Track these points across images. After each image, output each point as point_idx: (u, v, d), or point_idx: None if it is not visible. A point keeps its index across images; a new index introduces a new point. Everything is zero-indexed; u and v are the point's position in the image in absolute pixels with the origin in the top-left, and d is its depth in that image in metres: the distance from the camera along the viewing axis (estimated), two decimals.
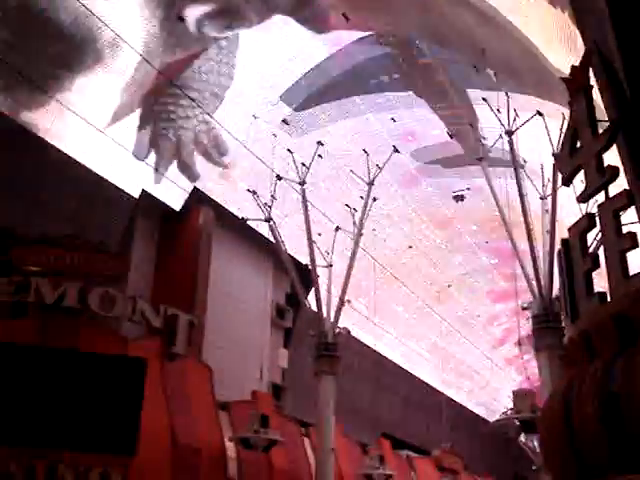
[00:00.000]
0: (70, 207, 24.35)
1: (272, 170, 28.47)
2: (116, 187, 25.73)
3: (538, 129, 25.20)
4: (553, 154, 23.11)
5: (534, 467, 26.81)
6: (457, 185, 35.04)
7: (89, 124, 24.10)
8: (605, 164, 11.23)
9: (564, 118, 22.30)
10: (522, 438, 25.12)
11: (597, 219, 10.93)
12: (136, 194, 26.47)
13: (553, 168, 23.13)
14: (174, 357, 23.09)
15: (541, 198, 25.93)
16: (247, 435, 22.83)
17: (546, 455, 10.77)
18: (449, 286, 45.65)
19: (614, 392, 8.78)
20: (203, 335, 26.36)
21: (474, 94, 27.55)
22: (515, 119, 24.19)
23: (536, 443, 24.90)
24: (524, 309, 22.62)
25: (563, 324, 21.29)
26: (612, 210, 10.42)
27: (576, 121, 11.64)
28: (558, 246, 12.52)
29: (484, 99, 25.36)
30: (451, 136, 28.45)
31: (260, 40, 26.14)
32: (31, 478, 18.45)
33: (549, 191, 25.25)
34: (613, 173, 10.87)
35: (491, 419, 54.19)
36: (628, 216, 10.97)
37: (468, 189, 34.31)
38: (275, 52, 26.70)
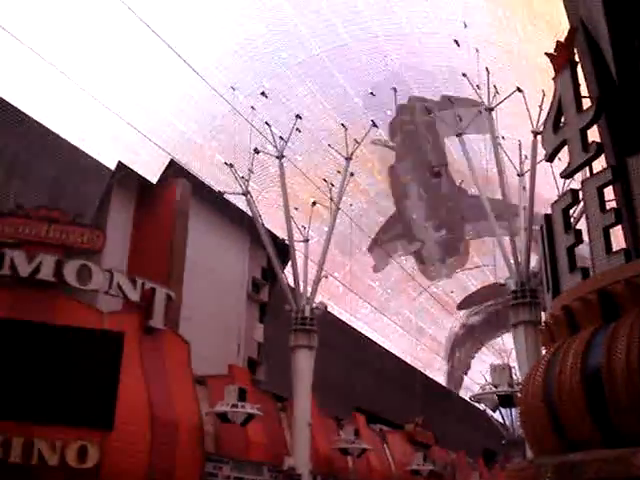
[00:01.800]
0: (46, 178, 23.96)
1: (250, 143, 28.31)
2: (92, 158, 25.33)
3: (516, 106, 25.32)
4: (532, 131, 23.25)
5: (503, 442, 27.29)
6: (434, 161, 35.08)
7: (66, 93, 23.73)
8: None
9: (544, 95, 22.42)
10: (491, 413, 25.51)
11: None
12: (112, 166, 26.10)
13: (532, 145, 23.27)
14: (151, 331, 22.89)
15: (519, 175, 26.11)
16: (226, 409, 22.83)
17: (527, 429, 10.84)
18: (423, 263, 45.83)
19: (597, 366, 8.88)
20: (180, 309, 26.22)
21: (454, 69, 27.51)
22: (495, 95, 24.27)
23: (506, 418, 25.31)
24: (501, 285, 22.83)
25: (539, 300, 21.55)
26: (596, 186, 10.48)
27: (561, 97, 11.67)
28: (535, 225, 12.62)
29: (464, 74, 25.37)
30: (429, 112, 28.41)
31: (239, 8, 25.80)
32: (7, 453, 18.25)
33: (526, 168, 25.46)
34: (598, 149, 10.94)
35: (463, 394, 55.01)
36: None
37: (445, 165, 34.38)
38: (254, 22, 26.35)
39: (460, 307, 50.71)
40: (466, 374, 58.64)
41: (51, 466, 18.45)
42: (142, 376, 21.37)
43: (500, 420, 32.23)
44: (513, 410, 24.77)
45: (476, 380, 44.44)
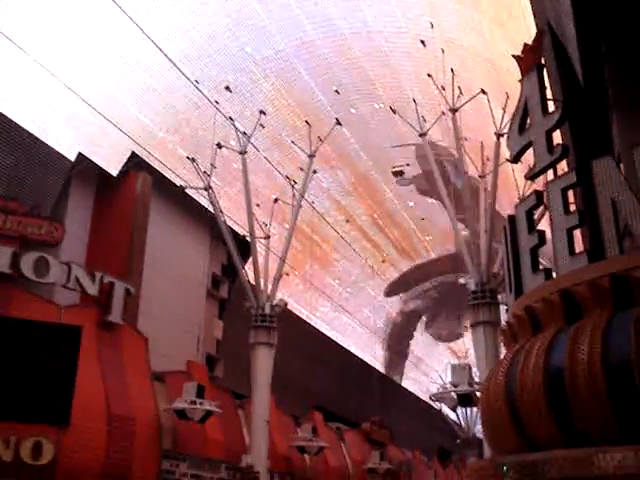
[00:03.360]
0: (4, 168, 23.44)
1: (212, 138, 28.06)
2: (52, 149, 24.86)
3: (478, 107, 25.52)
4: (495, 132, 23.44)
5: (458, 440, 27.51)
6: (396, 161, 35.19)
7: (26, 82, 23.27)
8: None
9: (508, 97, 22.62)
10: (447, 412, 25.69)
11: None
12: (72, 157, 25.64)
13: (495, 146, 23.46)
14: (109, 326, 22.57)
15: (480, 176, 26.31)
16: (184, 406, 22.61)
17: (487, 428, 10.92)
18: (383, 261, 46.01)
19: (559, 366, 8.96)
20: (138, 304, 25.89)
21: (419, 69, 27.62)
22: (459, 96, 24.42)
23: (461, 417, 25.54)
24: (462, 285, 22.97)
25: (499, 300, 21.76)
26: (560, 188, 10.60)
27: (527, 99, 11.78)
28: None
29: (429, 75, 25.47)
30: (394, 111, 28.43)
31: (205, 1, 25.57)
32: None
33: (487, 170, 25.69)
34: (563, 151, 11.06)
35: (420, 394, 55.39)
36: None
37: (407, 165, 34.51)
38: (219, 16, 26.14)
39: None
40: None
41: (5, 462, 18.06)
42: (99, 371, 21.04)
43: (455, 419, 32.46)
44: (468, 409, 24.98)
45: (434, 380, 44.69)
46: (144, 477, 21.12)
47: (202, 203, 30.06)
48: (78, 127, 25.68)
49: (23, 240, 21.93)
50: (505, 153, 17.05)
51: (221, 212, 28.70)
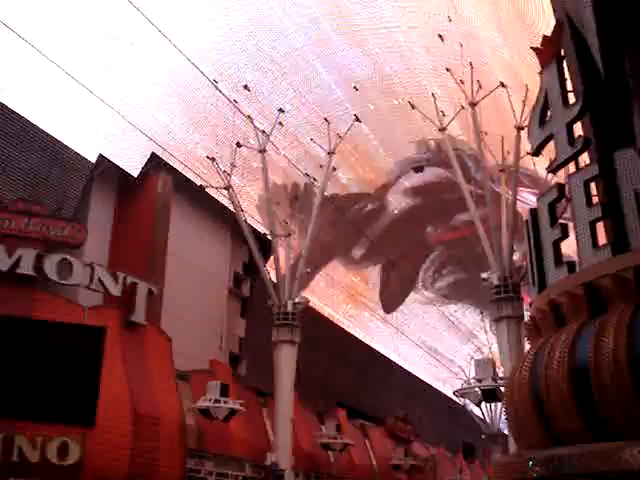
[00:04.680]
0: (26, 171, 23.64)
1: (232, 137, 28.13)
2: (73, 151, 25.05)
3: (497, 101, 25.36)
4: (516, 126, 23.29)
5: (483, 436, 27.34)
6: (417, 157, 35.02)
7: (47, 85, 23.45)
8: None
9: (527, 90, 22.45)
10: (471, 407, 25.51)
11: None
12: (93, 159, 25.83)
13: (515, 140, 23.31)
14: (133, 326, 22.72)
15: (500, 170, 26.14)
16: (208, 405, 22.72)
17: (512, 423, 10.84)
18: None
19: (584, 360, 8.87)
20: (161, 304, 26.03)
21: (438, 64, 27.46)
22: (478, 90, 24.27)
23: (486, 413, 25.39)
24: (484, 280, 22.83)
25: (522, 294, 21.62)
26: (583, 180, 10.48)
27: (547, 92, 11.67)
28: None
29: (448, 69, 25.32)
30: (413, 106, 28.29)
31: (223, 1, 25.60)
32: None
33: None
34: (584, 143, 10.94)
35: (442, 389, 55.18)
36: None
37: (427, 161, 34.33)
38: (237, 15, 26.16)
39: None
40: None
41: (32, 463, 18.26)
42: (124, 372, 21.18)
43: (479, 415, 32.30)
44: (492, 404, 24.84)
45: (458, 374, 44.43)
46: (170, 476, 21.29)
47: (223, 202, 30.14)
48: (98, 129, 25.84)
49: (46, 242, 22.10)
50: (526, 146, 16.94)
51: (242, 211, 28.79)
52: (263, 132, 28.45)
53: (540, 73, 11.88)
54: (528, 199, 27.74)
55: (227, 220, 31.43)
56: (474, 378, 22.39)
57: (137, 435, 20.33)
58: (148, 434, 20.62)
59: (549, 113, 11.45)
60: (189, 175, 29.11)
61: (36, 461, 18.34)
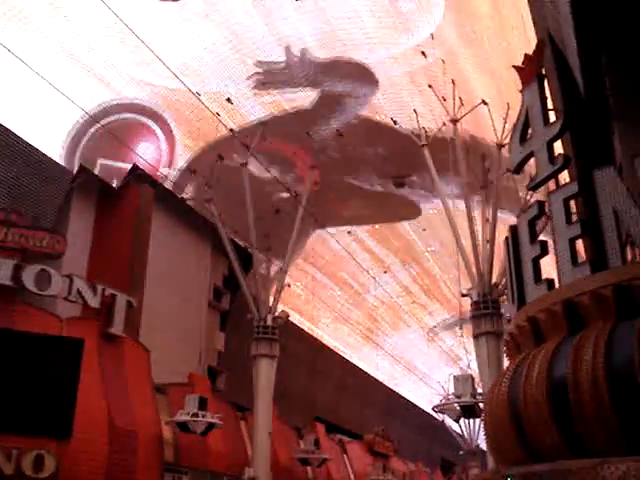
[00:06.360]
0: (5, 180, 23.46)
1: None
2: (53, 161, 24.91)
3: (479, 118, 25.56)
4: (497, 143, 23.47)
5: (461, 452, 27.37)
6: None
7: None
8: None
9: (509, 108, 22.65)
10: (449, 423, 25.52)
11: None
12: (73, 169, 25.69)
13: (496, 157, 23.49)
14: (111, 338, 22.54)
15: (481, 187, 26.29)
16: (186, 419, 22.55)
17: (491, 439, 10.85)
18: (385, 272, 45.90)
19: (563, 376, 8.91)
20: (140, 316, 25.85)
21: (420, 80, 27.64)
22: (460, 107, 24.45)
23: (464, 429, 25.42)
24: (463, 296, 22.92)
25: (502, 311, 21.71)
26: (563, 198, 10.58)
27: (528, 110, 11.79)
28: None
29: (430, 86, 25.50)
30: (395, 122, 28.47)
31: (204, 14, 25.66)
32: None
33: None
34: (565, 162, 11.05)
35: (421, 404, 55.18)
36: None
37: (409, 175, 34.47)
38: (220, 29, 26.22)
39: None
40: None
41: (6, 475, 18.00)
42: (101, 384, 20.99)
43: (458, 430, 32.34)
44: (471, 420, 24.88)
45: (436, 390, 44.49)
46: None
47: (204, 215, 30.06)
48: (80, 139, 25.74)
49: (25, 252, 21.89)
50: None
51: (222, 223, 28.73)
52: (245, 145, 28.45)
53: (521, 91, 11.99)
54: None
55: (208, 232, 31.34)
56: (453, 394, 22.42)
57: (114, 448, 20.11)
58: (125, 447, 20.42)
59: (530, 131, 11.57)
60: (170, 187, 29.04)
61: (11, 473, 18.06)
